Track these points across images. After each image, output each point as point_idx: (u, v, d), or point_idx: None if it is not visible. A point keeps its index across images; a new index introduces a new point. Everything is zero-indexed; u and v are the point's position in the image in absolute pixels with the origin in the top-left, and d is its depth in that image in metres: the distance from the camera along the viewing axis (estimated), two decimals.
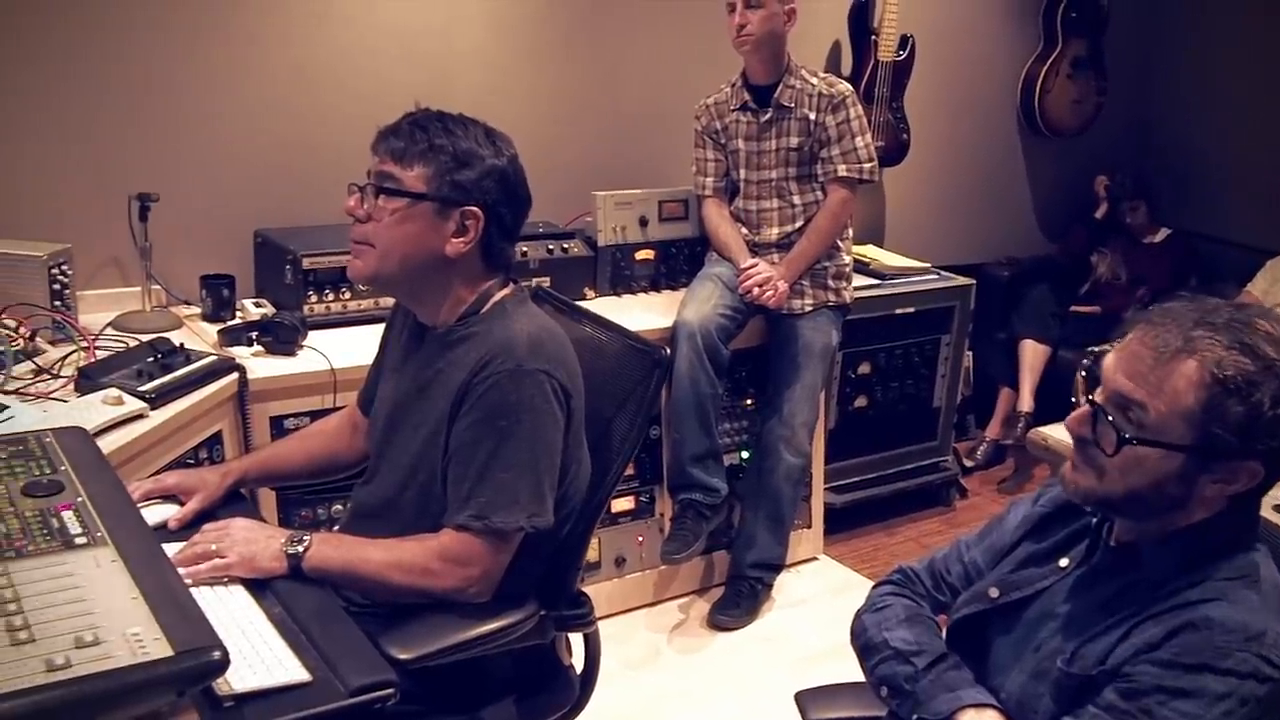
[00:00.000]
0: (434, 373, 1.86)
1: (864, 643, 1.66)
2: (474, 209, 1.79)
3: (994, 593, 1.60)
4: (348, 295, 3.02)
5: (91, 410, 2.18)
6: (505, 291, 1.89)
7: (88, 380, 2.33)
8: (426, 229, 1.79)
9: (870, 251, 4.23)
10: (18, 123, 2.91)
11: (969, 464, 4.53)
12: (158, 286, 3.02)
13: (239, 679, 1.42)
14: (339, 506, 2.79)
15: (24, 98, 2.91)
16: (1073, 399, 1.45)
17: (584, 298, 3.47)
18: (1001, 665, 1.56)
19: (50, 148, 2.96)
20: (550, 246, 3.41)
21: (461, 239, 1.80)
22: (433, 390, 1.85)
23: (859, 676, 1.69)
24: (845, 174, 3.35)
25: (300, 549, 1.73)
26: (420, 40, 3.43)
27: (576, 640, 2.11)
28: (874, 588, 1.76)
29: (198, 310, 3.04)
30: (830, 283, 3.42)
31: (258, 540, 1.73)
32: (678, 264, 3.68)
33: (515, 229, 1.88)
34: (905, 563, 1.77)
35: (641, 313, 3.38)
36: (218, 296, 2.99)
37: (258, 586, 1.70)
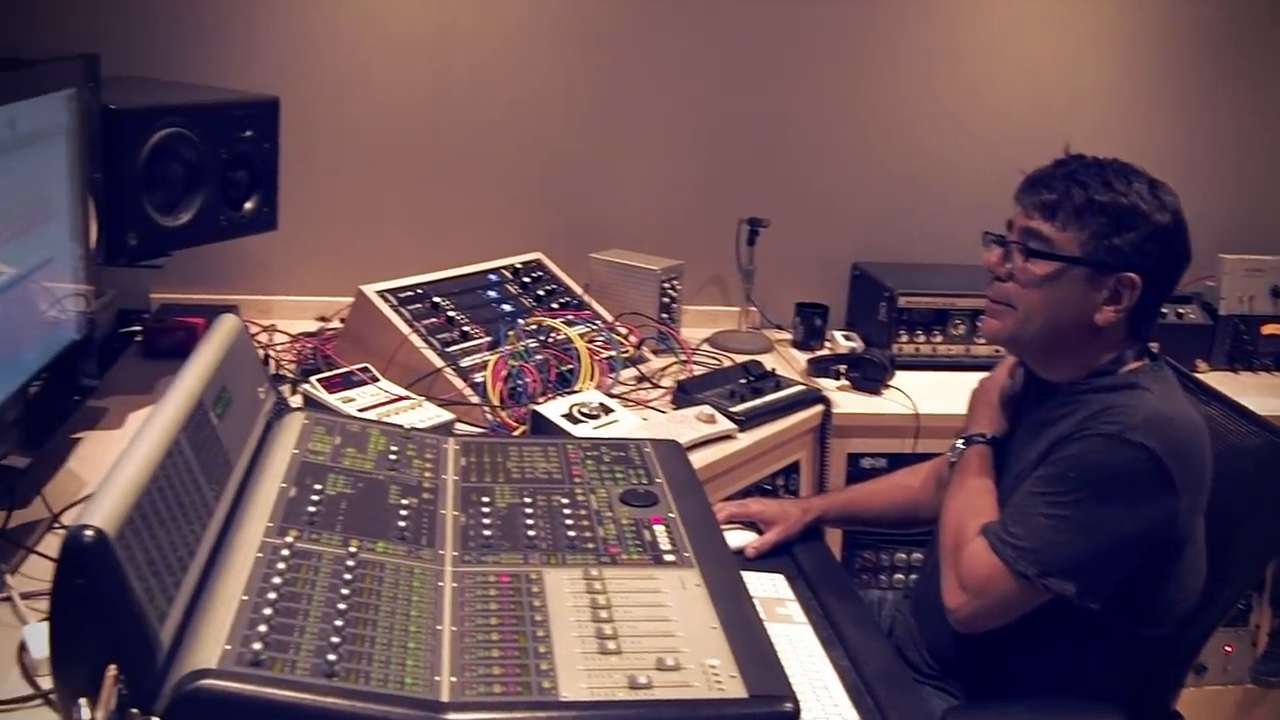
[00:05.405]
0: (1037, 426, 1.72)
1: None
2: (1131, 275, 1.62)
3: None
4: (939, 338, 2.94)
5: (685, 425, 2.25)
6: (1140, 363, 1.70)
7: (684, 394, 2.42)
8: (1075, 295, 1.65)
9: None
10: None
11: None
12: (754, 309, 3.11)
13: None
14: (902, 555, 2.72)
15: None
16: None
17: (1195, 370, 3.12)
18: None
19: (674, 170, 3.15)
20: (1164, 310, 3.09)
21: (1113, 307, 1.64)
22: (1033, 444, 1.71)
23: None
24: None
25: None
26: (1045, 79, 3.26)
27: None
28: None
29: (788, 336, 3.10)
30: None
31: None
32: None
33: (1171, 293, 1.70)
34: None
35: (1260, 395, 2.97)
36: (810, 325, 3.02)
37: (825, 632, 1.66)
